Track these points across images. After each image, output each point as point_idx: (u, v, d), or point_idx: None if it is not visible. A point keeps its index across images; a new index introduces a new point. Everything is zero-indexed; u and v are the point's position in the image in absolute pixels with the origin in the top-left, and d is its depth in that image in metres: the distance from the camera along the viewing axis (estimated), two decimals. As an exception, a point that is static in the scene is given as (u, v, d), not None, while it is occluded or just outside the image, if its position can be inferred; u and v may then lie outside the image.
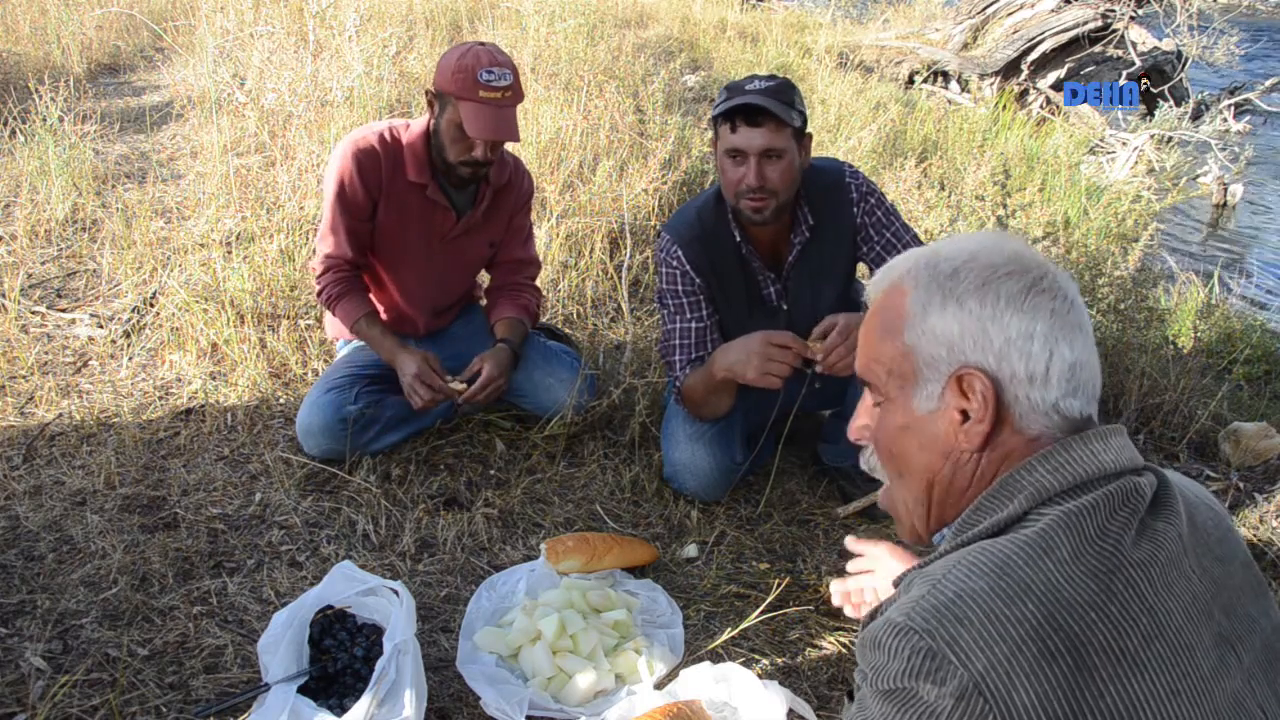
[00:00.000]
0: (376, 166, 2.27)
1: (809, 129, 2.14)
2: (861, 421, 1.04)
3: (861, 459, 1.07)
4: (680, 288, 2.23)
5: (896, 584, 0.94)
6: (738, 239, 2.21)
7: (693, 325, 2.23)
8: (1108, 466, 0.87)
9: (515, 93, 2.22)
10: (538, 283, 2.63)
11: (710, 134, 2.22)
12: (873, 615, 0.94)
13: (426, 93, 2.25)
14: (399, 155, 2.29)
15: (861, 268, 2.39)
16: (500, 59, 2.19)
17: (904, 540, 1.08)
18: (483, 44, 2.22)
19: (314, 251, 2.50)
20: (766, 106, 2.00)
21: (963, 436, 0.92)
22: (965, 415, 0.92)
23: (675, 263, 2.22)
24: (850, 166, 2.28)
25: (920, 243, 2.26)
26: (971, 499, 0.92)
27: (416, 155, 2.30)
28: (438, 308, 2.52)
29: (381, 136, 2.29)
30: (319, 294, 2.36)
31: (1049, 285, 0.91)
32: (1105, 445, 0.88)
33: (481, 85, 2.16)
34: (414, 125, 2.32)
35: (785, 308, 2.29)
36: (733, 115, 2.04)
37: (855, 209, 2.25)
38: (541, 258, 3.19)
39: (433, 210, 2.36)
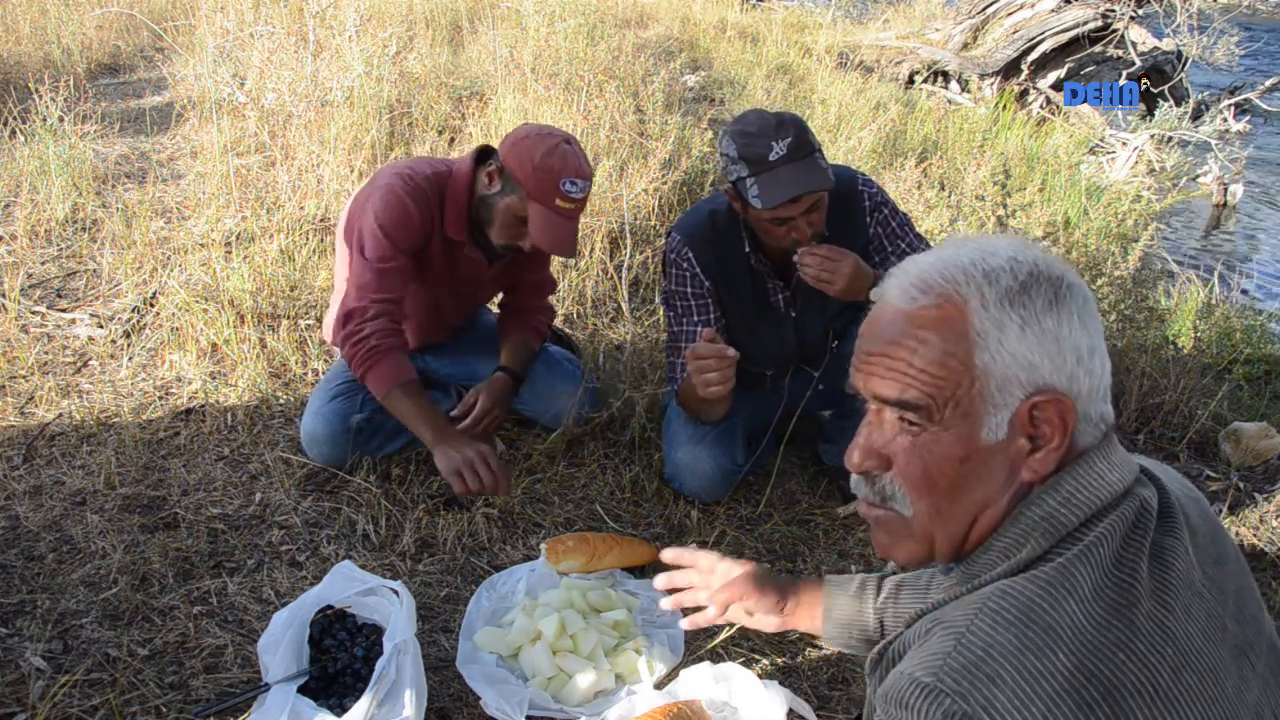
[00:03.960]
0: (428, 207, 2.15)
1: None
2: (872, 448, 0.91)
3: (855, 484, 0.94)
4: (689, 289, 2.22)
5: (909, 625, 0.91)
6: (747, 249, 2.20)
7: (698, 329, 2.21)
8: (1116, 487, 0.85)
9: (587, 202, 2.14)
10: (551, 299, 2.58)
11: (717, 147, 2.15)
12: (881, 654, 0.92)
13: (490, 161, 2.12)
14: (443, 202, 2.18)
15: None
16: (585, 168, 2.08)
17: (896, 561, 0.95)
18: (569, 142, 2.09)
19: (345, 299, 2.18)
20: (808, 189, 1.95)
21: (1030, 469, 0.86)
22: (1033, 442, 0.86)
23: (685, 264, 2.20)
24: (863, 175, 2.26)
25: None
26: None
27: (458, 209, 2.17)
28: (450, 326, 2.47)
29: (429, 179, 2.16)
30: (360, 340, 2.06)
31: (1091, 296, 0.89)
32: (1109, 464, 0.86)
33: (560, 194, 2.04)
34: (455, 171, 2.18)
35: (794, 315, 2.28)
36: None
37: (868, 219, 2.23)
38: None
39: (463, 258, 2.25)
